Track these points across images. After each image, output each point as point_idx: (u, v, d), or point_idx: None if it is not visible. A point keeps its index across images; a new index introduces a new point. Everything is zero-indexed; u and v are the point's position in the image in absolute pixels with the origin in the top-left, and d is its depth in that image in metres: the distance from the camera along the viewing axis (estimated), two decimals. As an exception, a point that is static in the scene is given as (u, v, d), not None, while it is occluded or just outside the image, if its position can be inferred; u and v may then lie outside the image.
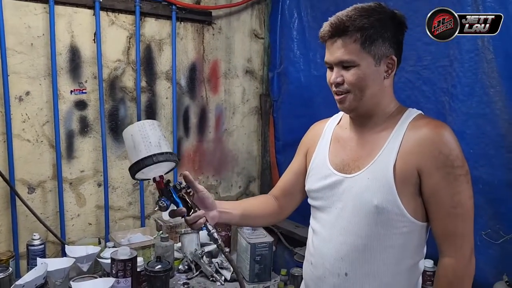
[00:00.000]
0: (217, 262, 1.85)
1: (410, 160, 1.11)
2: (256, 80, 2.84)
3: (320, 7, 2.46)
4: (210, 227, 1.22)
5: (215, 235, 1.21)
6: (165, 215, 2.19)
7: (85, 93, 2.16)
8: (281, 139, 2.81)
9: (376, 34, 1.14)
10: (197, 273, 1.85)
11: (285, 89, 2.74)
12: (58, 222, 2.11)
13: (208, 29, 2.57)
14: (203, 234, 2.07)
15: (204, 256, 1.88)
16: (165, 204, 1.17)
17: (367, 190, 1.15)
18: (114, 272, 1.55)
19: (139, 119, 2.31)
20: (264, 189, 2.90)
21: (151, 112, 2.39)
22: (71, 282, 1.48)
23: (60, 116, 2.08)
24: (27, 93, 2.00)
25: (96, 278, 1.57)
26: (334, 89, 1.21)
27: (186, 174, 1.24)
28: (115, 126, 2.27)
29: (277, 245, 2.85)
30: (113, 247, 1.88)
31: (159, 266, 1.64)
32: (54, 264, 1.58)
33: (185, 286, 1.75)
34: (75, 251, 1.76)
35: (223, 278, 1.80)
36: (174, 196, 1.20)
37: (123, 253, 1.56)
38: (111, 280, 1.50)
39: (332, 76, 1.20)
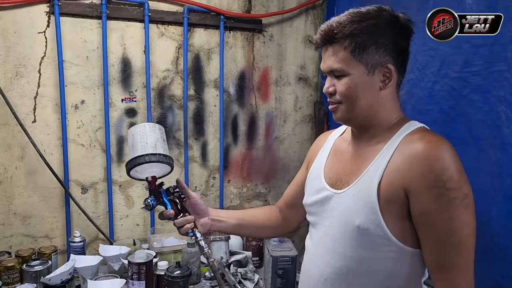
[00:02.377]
0: (240, 273, 1.84)
1: (395, 178, 1.00)
2: (310, 88, 2.77)
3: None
4: (198, 234, 1.23)
5: (202, 242, 1.22)
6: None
7: (135, 101, 2.29)
8: (334, 148, 2.69)
9: (369, 41, 1.04)
10: (222, 281, 1.86)
11: (339, 96, 2.63)
12: (108, 222, 2.27)
13: (258, 37, 2.57)
14: (234, 242, 2.07)
15: (232, 265, 1.88)
16: (150, 204, 1.23)
17: (350, 208, 1.07)
18: (129, 274, 1.62)
19: (185, 126, 2.39)
20: (317, 199, 2.81)
21: (199, 120, 2.46)
22: (88, 280, 1.58)
23: (111, 122, 2.23)
24: (82, 102, 2.18)
25: (117, 278, 1.66)
26: (328, 99, 1.15)
27: (179, 180, 1.28)
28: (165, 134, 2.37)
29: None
30: (147, 248, 1.96)
31: (178, 272, 1.68)
32: (83, 261, 1.70)
33: (208, 293, 1.77)
34: (109, 250, 1.88)
35: (245, 289, 1.79)
36: (164, 198, 1.24)
37: (140, 256, 1.63)
38: (121, 282, 1.58)
39: (325, 85, 1.14)
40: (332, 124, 2.71)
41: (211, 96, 2.48)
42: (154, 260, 1.74)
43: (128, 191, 2.33)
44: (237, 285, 1.80)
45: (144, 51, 2.27)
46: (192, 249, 1.84)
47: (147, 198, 1.24)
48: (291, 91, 2.71)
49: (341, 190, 1.12)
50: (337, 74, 1.09)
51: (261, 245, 2.09)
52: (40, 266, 1.69)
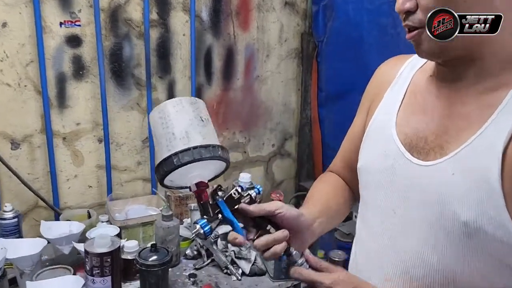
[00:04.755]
0: (233, 250, 1.43)
1: None
2: (298, 15, 2.28)
3: None
4: (296, 256, 0.75)
5: (306, 266, 0.75)
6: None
7: (79, 25, 1.71)
8: (325, 89, 2.28)
9: None
10: (208, 261, 1.45)
11: (332, 26, 2.18)
12: (50, 185, 1.76)
13: None
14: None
15: (219, 240, 1.47)
16: (203, 232, 0.73)
17: (450, 194, 0.67)
18: (88, 268, 1.17)
19: (147, 61, 1.86)
20: (303, 148, 2.43)
21: (164, 53, 1.92)
22: (26, 282, 1.11)
23: (47, 54, 1.66)
24: (4, 25, 1.58)
25: (69, 270, 1.20)
26: (403, 22, 0.71)
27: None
28: (119, 69, 1.83)
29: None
30: (107, 221, 1.50)
31: (154, 258, 1.25)
32: (19, 248, 1.22)
33: (191, 279, 1.36)
34: (55, 228, 1.40)
35: (240, 271, 1.40)
36: (226, 213, 0.74)
37: (101, 244, 1.17)
38: (77, 281, 1.12)
39: (399, 1, 0.70)
40: (323, 61, 2.27)
41: (179, 22, 1.93)
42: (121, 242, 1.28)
43: (76, 145, 1.80)
44: (229, 266, 1.40)
45: (88, -45, 1.66)
46: (168, 224, 1.41)
47: (197, 222, 0.74)
48: (276, 18, 2.21)
49: (429, 162, 0.72)
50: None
51: None
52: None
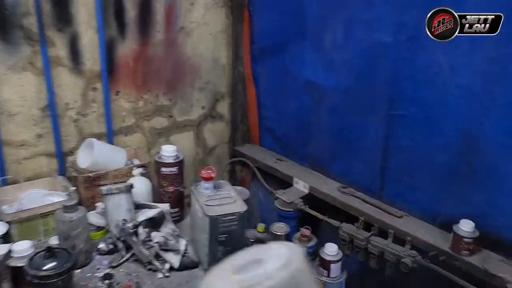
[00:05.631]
0: (157, 242, 1.19)
1: None
2: (225, -46, 1.96)
3: None
4: None
5: None
6: (82, 161, 1.48)
7: None
8: (259, 42, 2.03)
9: None
10: (128, 256, 1.20)
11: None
12: None
13: None
14: (139, 190, 1.38)
15: (140, 229, 1.21)
16: None
17: None
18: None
19: (38, 8, 1.48)
20: (236, 109, 2.19)
21: (60, -2, 1.55)
22: None
23: None
24: None
25: None
26: None
27: None
28: (2, 20, 1.45)
29: (251, 184, 2.23)
30: (-7, 215, 1.19)
31: (51, 265, 0.97)
32: None
33: (106, 282, 1.10)
34: None
35: (167, 266, 1.16)
36: None
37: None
38: None
39: None
40: (255, 10, 2.00)
41: (78, -41, 1.56)
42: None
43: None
44: (153, 261, 1.16)
45: None
46: (72, 215, 1.12)
47: None
48: (200, -42, 1.88)
49: None
50: None
51: (180, 190, 1.44)
52: None
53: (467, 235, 1.38)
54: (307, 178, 1.88)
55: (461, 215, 1.48)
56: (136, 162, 1.68)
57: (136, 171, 1.49)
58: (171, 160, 1.46)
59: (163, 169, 1.46)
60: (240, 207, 1.20)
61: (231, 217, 1.16)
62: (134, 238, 1.19)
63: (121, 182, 1.37)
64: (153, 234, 1.21)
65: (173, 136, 2.01)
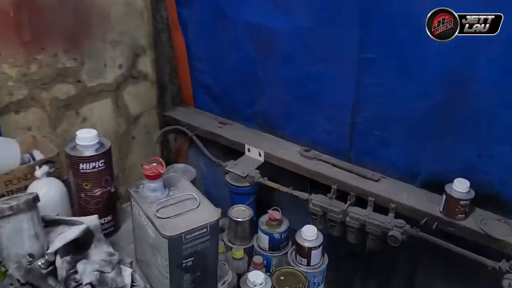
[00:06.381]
0: (89, 283, 0.80)
1: None
2: None
3: None
4: None
5: None
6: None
7: None
8: (185, -23, 1.61)
9: None
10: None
11: None
12: None
13: None
14: (46, 200, 0.96)
15: (58, 261, 0.82)
16: None
17: None
18: None
19: None
20: (162, 65, 1.79)
21: None
22: None
23: None
24: None
25: None
26: None
27: None
28: None
29: (187, 154, 1.89)
30: None
31: None
32: None
33: None
34: None
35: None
36: None
37: None
38: None
39: None
40: None
41: None
42: None
43: None
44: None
45: None
46: None
47: None
48: None
49: None
50: None
51: (111, 191, 1.02)
52: None
53: (464, 196, 1.18)
54: (260, 143, 1.58)
55: (446, 171, 1.29)
56: (38, 155, 1.20)
57: (40, 170, 1.03)
58: (92, 152, 1.01)
59: (83, 165, 1.01)
60: (210, 213, 0.82)
61: (200, 232, 0.79)
62: (51, 281, 0.79)
63: (17, 193, 0.93)
64: (80, 267, 0.81)
65: (85, 107, 1.57)
